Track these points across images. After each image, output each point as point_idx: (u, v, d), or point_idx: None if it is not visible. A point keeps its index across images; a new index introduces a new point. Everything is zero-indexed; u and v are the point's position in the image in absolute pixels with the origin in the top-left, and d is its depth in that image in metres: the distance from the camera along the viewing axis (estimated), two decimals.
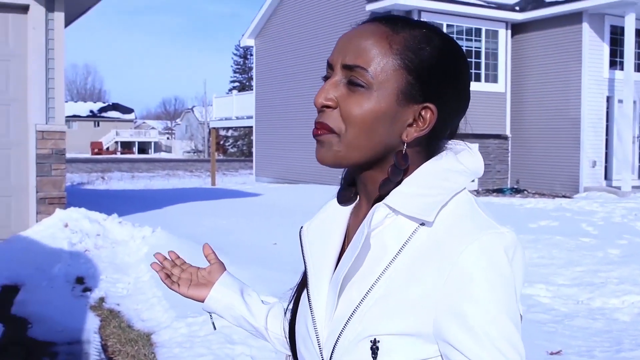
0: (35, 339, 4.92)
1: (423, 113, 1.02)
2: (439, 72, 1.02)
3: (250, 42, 24.55)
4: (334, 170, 1.10)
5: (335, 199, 1.16)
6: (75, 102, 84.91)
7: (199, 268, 1.42)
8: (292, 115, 21.30)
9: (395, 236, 1.00)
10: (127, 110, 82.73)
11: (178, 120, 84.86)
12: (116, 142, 75.81)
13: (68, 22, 9.92)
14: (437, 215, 0.98)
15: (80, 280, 6.49)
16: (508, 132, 18.98)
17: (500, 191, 18.47)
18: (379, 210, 1.01)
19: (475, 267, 0.92)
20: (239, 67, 66.87)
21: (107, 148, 73.98)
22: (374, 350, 0.96)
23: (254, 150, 24.93)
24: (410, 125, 1.02)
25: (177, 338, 4.76)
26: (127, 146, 76.50)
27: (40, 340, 4.88)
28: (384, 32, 1.02)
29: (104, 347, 4.75)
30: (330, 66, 1.06)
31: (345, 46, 1.03)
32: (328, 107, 1.03)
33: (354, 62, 1.01)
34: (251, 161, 26.70)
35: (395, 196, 1.01)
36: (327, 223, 1.15)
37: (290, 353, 1.22)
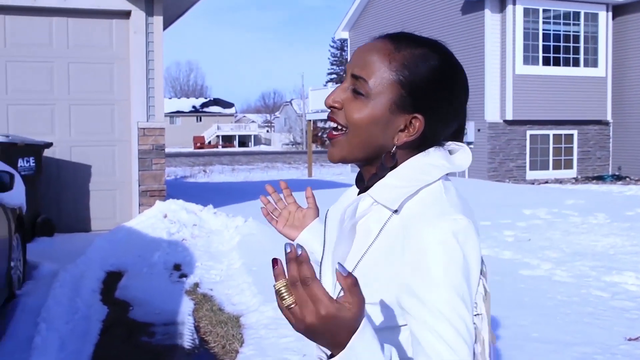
0: (136, 320, 5.36)
1: (413, 122, 1.20)
2: (430, 88, 1.19)
3: (344, 34, 24.78)
4: None
5: (354, 184, 1.36)
6: (179, 98, 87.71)
7: (298, 207, 1.67)
8: None
9: (376, 222, 1.19)
10: (228, 104, 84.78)
11: (277, 113, 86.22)
12: (217, 136, 77.97)
13: (167, 23, 10.48)
14: (403, 204, 1.17)
15: (177, 267, 6.96)
16: (609, 118, 18.36)
17: (600, 178, 17.92)
18: (364, 199, 1.22)
19: (429, 248, 1.09)
20: (336, 59, 67.32)
21: (209, 142, 76.22)
22: None
23: None
24: (402, 130, 1.20)
25: (264, 321, 5.06)
26: (228, 140, 78.54)
27: (140, 321, 5.32)
28: (387, 49, 1.21)
29: (197, 328, 5.12)
30: (345, 72, 1.27)
31: (357, 58, 1.24)
32: (335, 107, 1.24)
33: (359, 74, 1.21)
34: None
35: (377, 187, 1.21)
36: (344, 206, 1.34)
37: None
